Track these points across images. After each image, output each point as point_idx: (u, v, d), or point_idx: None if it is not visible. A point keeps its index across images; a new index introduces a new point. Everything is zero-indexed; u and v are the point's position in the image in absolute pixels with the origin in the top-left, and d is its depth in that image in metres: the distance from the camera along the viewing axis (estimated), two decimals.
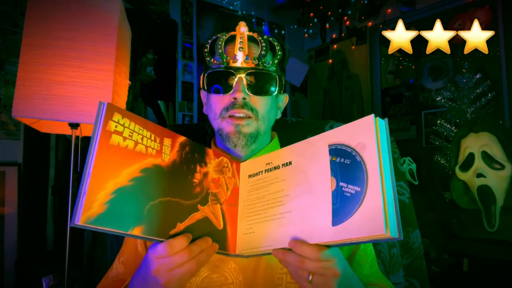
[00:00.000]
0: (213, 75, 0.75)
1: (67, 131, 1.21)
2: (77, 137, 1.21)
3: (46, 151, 2.44)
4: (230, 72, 0.73)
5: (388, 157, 0.52)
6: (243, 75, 0.72)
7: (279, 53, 0.77)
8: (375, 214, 0.48)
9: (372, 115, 0.54)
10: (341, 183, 0.54)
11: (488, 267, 1.84)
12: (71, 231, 1.19)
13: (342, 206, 0.52)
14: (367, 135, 0.53)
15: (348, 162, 0.54)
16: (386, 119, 0.54)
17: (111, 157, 0.53)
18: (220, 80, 0.74)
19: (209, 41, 0.77)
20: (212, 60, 0.76)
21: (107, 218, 0.50)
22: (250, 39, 0.75)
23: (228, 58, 0.74)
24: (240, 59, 0.73)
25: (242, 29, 0.74)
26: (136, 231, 0.52)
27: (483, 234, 1.91)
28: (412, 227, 1.09)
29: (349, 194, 0.52)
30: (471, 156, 1.95)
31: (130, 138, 0.56)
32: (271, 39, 0.77)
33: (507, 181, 1.88)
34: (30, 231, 2.27)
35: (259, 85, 0.74)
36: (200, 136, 1.06)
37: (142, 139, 0.58)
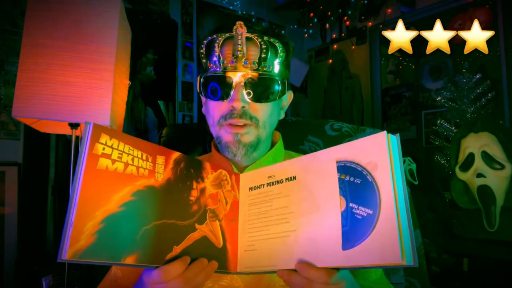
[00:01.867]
0: (209, 80, 0.70)
1: (67, 131, 1.21)
2: (77, 137, 1.21)
3: (46, 151, 2.43)
4: (227, 77, 0.68)
5: (401, 177, 0.49)
6: (241, 82, 0.68)
7: (281, 54, 0.71)
8: (390, 240, 0.45)
9: (385, 132, 0.50)
10: (351, 204, 0.51)
11: (488, 267, 1.84)
12: None
13: (353, 229, 0.49)
14: (379, 154, 0.50)
15: (358, 182, 0.51)
16: (398, 134, 0.51)
17: (99, 183, 0.49)
18: (217, 86, 0.70)
19: (205, 41, 0.72)
20: (208, 63, 0.71)
21: (96, 250, 0.46)
22: (249, 40, 0.69)
23: (225, 62, 0.68)
24: (238, 63, 0.67)
25: (240, 30, 0.67)
26: (129, 260, 0.49)
27: (483, 234, 1.91)
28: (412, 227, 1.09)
29: (360, 217, 0.49)
30: (471, 156, 1.95)
31: (120, 160, 0.52)
32: (272, 39, 0.70)
33: (507, 181, 1.88)
34: (30, 231, 2.26)
35: (259, 91, 0.69)
36: (200, 135, 1.06)
37: (132, 159, 0.54)
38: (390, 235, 0.45)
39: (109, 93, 1.11)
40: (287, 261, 0.55)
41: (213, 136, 0.77)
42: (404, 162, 2.28)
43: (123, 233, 0.50)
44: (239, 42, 0.67)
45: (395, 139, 0.50)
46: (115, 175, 0.51)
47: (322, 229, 0.53)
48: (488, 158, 1.89)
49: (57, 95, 1.07)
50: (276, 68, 0.71)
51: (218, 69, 0.69)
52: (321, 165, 0.57)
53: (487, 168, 1.89)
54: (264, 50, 0.69)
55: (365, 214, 0.49)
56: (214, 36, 0.70)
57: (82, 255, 0.45)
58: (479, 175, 1.91)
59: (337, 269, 0.51)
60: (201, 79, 0.72)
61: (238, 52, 0.67)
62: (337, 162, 0.54)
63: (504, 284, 1.73)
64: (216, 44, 0.69)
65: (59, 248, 0.45)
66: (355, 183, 0.51)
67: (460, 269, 1.91)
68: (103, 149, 0.51)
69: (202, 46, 0.72)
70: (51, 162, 2.44)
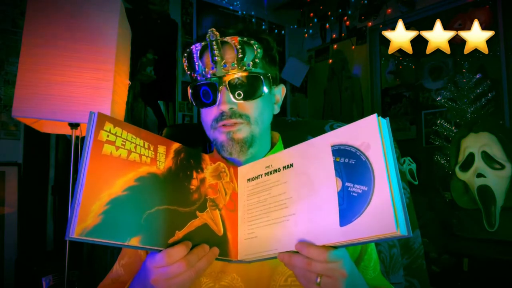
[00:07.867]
0: (197, 89, 0.74)
1: (67, 131, 1.21)
2: (77, 137, 1.21)
3: (46, 151, 2.43)
4: (211, 84, 0.71)
5: (392, 155, 0.52)
6: (225, 85, 0.70)
7: (259, 50, 0.72)
8: (385, 212, 0.48)
9: (375, 115, 0.54)
10: (347, 183, 0.54)
11: (488, 267, 1.84)
12: None
13: (350, 206, 0.52)
14: (371, 134, 0.53)
15: (353, 162, 0.54)
16: (388, 118, 0.54)
17: (104, 167, 0.52)
18: (205, 93, 0.73)
19: (185, 54, 0.75)
20: (192, 74, 0.74)
21: (102, 230, 0.49)
22: (225, 44, 0.72)
23: (206, 69, 0.72)
24: (218, 68, 0.70)
25: (212, 37, 0.69)
26: (134, 241, 0.51)
27: (483, 234, 1.90)
28: (412, 227, 1.09)
29: (356, 194, 0.52)
30: (471, 156, 1.95)
31: (123, 147, 0.55)
32: (245, 39, 0.72)
33: (507, 181, 1.88)
34: (30, 231, 2.26)
35: (244, 90, 0.71)
36: (200, 135, 1.06)
37: (135, 147, 0.57)
38: (384, 207, 0.48)
39: (109, 93, 1.12)
40: (287, 244, 0.57)
41: (210, 140, 0.79)
42: (404, 162, 2.28)
43: (128, 215, 0.52)
44: (215, 47, 0.70)
45: (385, 121, 0.54)
46: (119, 161, 0.54)
47: (320, 210, 0.55)
48: (488, 158, 1.89)
49: (57, 95, 1.07)
50: (257, 65, 0.73)
51: (202, 77, 0.73)
52: (317, 151, 0.60)
53: (487, 168, 1.89)
54: (240, 50, 0.71)
55: (360, 191, 0.52)
56: (192, 47, 0.74)
57: (89, 233, 0.47)
58: (479, 175, 1.90)
59: (335, 247, 0.53)
60: (190, 90, 0.75)
61: (216, 58, 0.70)
62: (332, 146, 0.58)
63: (504, 284, 1.73)
64: (194, 55, 0.73)
65: (67, 227, 0.47)
66: (350, 164, 0.54)
67: (460, 269, 1.91)
68: (107, 136, 0.54)
69: (184, 59, 0.76)
70: (51, 162, 2.44)
